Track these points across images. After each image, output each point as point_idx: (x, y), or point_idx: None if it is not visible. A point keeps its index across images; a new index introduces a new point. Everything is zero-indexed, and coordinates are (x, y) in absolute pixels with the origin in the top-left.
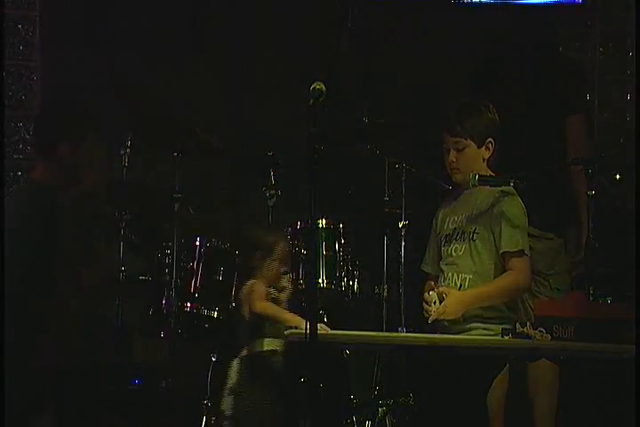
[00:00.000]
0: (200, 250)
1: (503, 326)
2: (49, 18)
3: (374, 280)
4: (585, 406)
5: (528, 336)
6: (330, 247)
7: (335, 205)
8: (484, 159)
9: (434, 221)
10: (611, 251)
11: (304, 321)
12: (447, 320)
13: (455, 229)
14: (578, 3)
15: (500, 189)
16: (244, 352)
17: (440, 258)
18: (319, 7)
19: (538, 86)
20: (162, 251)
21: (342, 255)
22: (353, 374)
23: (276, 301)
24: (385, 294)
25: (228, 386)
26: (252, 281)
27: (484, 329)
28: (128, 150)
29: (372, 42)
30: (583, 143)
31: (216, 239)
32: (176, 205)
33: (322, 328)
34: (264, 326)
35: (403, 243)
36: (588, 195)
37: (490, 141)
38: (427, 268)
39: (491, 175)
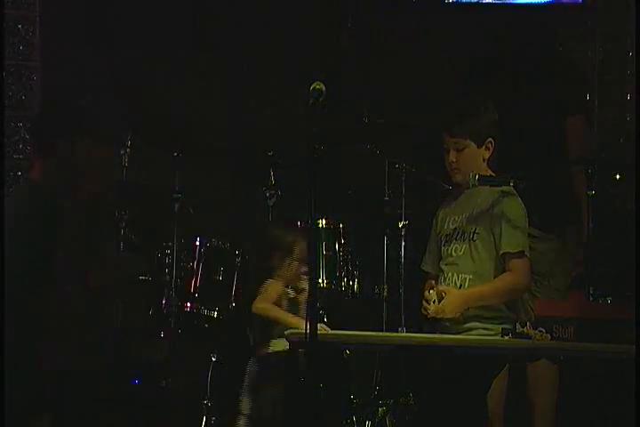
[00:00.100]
0: (200, 250)
1: (503, 326)
2: (49, 18)
3: (374, 280)
4: (585, 406)
5: (528, 336)
6: (330, 247)
7: (335, 205)
8: (483, 159)
9: (434, 221)
10: (611, 251)
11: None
12: (447, 320)
13: (455, 229)
14: (578, 3)
15: (500, 189)
16: (263, 352)
17: (440, 258)
18: (319, 7)
19: (538, 86)
20: (162, 251)
21: (342, 255)
22: (353, 374)
23: (294, 301)
24: (385, 294)
25: (246, 386)
26: (269, 281)
27: (484, 329)
28: (128, 150)
29: (372, 42)
30: (583, 143)
31: (216, 239)
32: (176, 205)
33: (322, 328)
34: (278, 326)
35: (403, 243)
36: (588, 195)
37: (490, 141)
38: (427, 267)
39: (491, 175)
